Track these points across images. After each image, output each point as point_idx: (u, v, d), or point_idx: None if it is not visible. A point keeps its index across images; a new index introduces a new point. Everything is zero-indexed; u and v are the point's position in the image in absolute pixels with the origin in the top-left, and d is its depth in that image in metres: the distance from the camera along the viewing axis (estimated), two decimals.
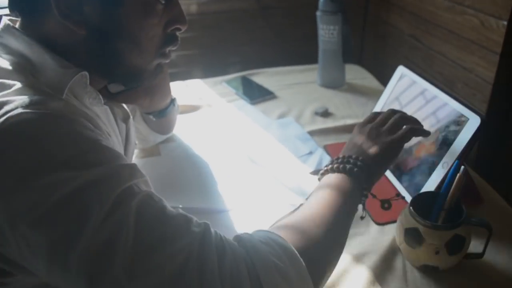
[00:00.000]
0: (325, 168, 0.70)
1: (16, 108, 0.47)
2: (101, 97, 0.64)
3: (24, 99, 0.49)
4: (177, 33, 0.65)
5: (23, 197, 0.45)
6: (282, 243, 0.52)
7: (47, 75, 0.55)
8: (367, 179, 0.67)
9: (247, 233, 0.55)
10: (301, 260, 0.51)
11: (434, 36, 1.36)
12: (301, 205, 0.68)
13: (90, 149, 0.49)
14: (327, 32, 1.24)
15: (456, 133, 0.80)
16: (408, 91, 0.95)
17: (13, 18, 0.61)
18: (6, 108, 0.47)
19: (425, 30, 1.41)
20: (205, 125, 1.17)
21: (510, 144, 1.18)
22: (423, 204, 0.71)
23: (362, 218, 0.71)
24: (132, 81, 0.67)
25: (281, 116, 1.20)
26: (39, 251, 0.46)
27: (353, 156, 0.69)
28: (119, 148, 0.72)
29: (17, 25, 0.59)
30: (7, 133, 0.46)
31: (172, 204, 0.53)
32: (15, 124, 0.47)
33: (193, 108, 1.26)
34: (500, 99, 1.16)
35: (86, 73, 0.58)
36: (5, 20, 0.60)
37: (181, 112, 1.17)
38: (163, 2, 0.60)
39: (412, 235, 0.68)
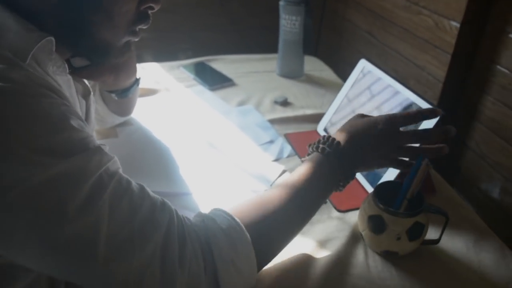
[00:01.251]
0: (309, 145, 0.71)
1: None
2: (66, 66, 0.61)
3: None
4: (150, 12, 0.63)
5: None
6: (240, 233, 0.57)
7: (9, 37, 0.51)
8: (342, 163, 0.68)
9: (210, 217, 0.58)
10: (254, 251, 0.57)
11: (390, 34, 1.41)
12: (264, 191, 0.70)
13: (58, 136, 0.47)
14: (289, 23, 1.24)
15: (416, 126, 0.83)
16: (369, 85, 0.97)
17: None
18: None
19: (381, 27, 1.45)
20: (164, 109, 1.14)
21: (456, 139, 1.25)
22: (383, 193, 0.73)
23: (324, 203, 0.73)
24: (99, 56, 0.64)
25: (241, 103, 1.19)
26: (10, 234, 0.45)
27: (332, 139, 0.69)
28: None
29: None
30: None
31: None
32: None
33: (150, 92, 1.22)
34: (449, 97, 1.22)
35: (53, 38, 0.55)
36: None
37: (139, 95, 1.13)
38: None
39: (375, 222, 0.70)
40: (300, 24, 1.23)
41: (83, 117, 0.74)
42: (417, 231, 0.70)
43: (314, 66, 1.43)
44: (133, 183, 0.53)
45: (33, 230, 0.45)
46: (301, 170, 0.68)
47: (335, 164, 0.68)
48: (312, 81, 1.33)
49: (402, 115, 0.71)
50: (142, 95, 1.17)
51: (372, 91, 0.96)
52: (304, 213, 0.67)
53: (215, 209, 0.61)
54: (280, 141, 1.02)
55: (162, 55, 1.98)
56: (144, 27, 0.64)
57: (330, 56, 1.76)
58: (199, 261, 0.53)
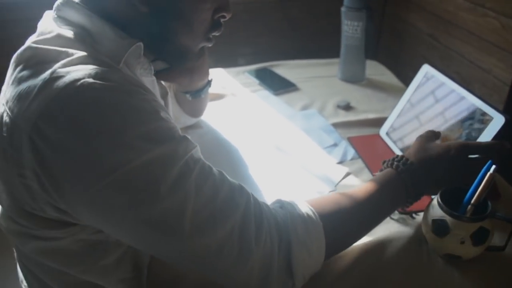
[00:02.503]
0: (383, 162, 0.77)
1: (84, 77, 0.51)
2: (152, 68, 0.69)
3: (90, 69, 0.53)
4: (222, 20, 0.70)
5: (96, 159, 0.50)
6: (315, 219, 0.62)
7: (106, 45, 0.60)
8: (414, 182, 0.72)
9: (289, 203, 0.65)
10: (324, 238, 0.62)
11: (453, 36, 1.40)
12: (329, 192, 0.76)
13: (152, 125, 0.54)
14: (351, 28, 1.27)
15: (480, 131, 0.84)
16: (432, 90, 0.99)
17: None
18: (74, 75, 0.51)
19: (444, 30, 1.44)
20: (231, 114, 1.21)
21: None
22: (450, 197, 0.75)
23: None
24: (177, 60, 0.72)
25: (304, 108, 1.24)
26: (110, 211, 0.53)
27: (405, 158, 0.74)
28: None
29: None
30: (80, 98, 0.51)
31: None
32: (88, 92, 0.51)
33: (218, 96, 1.29)
34: None
35: (141, 44, 0.63)
36: None
37: None
38: None
39: (439, 225, 0.72)
40: (361, 30, 1.26)
41: None
42: (481, 237, 0.71)
43: (375, 70, 1.44)
44: (214, 168, 0.60)
45: (130, 207, 0.52)
46: (374, 180, 0.73)
47: (406, 181, 0.72)
48: (373, 85, 1.35)
49: (474, 145, 0.76)
50: (210, 100, 1.25)
51: (436, 96, 0.97)
52: (371, 218, 0.71)
53: (294, 199, 0.67)
54: (344, 144, 1.06)
55: (223, 60, 2.06)
56: (217, 34, 0.72)
57: (391, 60, 1.76)
58: (274, 240, 0.58)
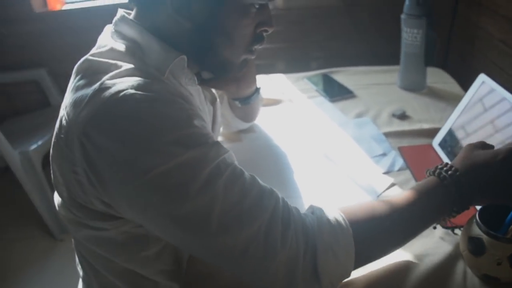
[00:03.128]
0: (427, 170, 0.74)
1: (127, 88, 0.58)
2: (195, 78, 0.75)
3: (133, 81, 0.60)
4: (264, 34, 0.74)
5: (134, 161, 0.57)
6: (343, 225, 0.63)
7: (153, 57, 0.67)
8: (458, 190, 0.69)
9: (320, 208, 0.66)
10: (354, 245, 0.62)
11: None
12: None
13: (184, 131, 0.59)
14: (411, 36, 1.25)
15: None
16: (488, 100, 0.95)
17: (126, 10, 0.73)
18: (119, 86, 0.59)
19: None
20: (286, 119, 1.24)
21: None
22: (493, 215, 0.73)
23: (434, 227, 0.75)
24: (220, 71, 0.77)
25: (359, 115, 1.24)
26: (145, 207, 0.59)
27: (450, 166, 0.71)
28: (208, 123, 0.83)
29: (131, 16, 0.72)
30: (122, 108, 0.58)
31: None
32: (129, 102, 0.58)
33: (275, 102, 1.33)
34: None
35: (185, 57, 0.69)
36: (121, 11, 0.73)
37: (264, 105, 1.25)
38: (256, 6, 0.69)
39: (475, 244, 0.70)
40: (421, 37, 1.24)
41: (211, 119, 0.90)
42: None
43: (438, 78, 1.40)
44: (246, 173, 0.64)
45: (162, 204, 0.58)
46: (414, 188, 0.71)
47: (450, 190, 0.69)
48: (433, 94, 1.32)
49: None
50: (267, 105, 1.29)
51: (489, 108, 0.94)
52: (409, 228, 0.70)
53: (327, 205, 0.68)
54: (393, 154, 1.05)
55: (295, 63, 2.10)
56: (260, 47, 0.76)
57: (461, 66, 1.69)
58: (300, 243, 0.61)
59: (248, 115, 1.11)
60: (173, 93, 0.64)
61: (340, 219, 0.64)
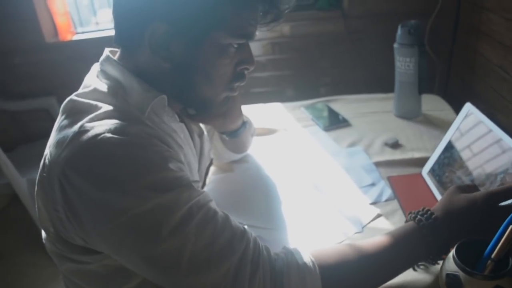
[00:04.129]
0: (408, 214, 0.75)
1: (104, 132, 0.61)
2: (176, 116, 0.77)
3: (111, 124, 0.62)
4: (245, 72, 0.76)
5: (108, 203, 0.59)
6: (313, 270, 0.64)
7: (134, 97, 0.70)
8: (436, 238, 0.69)
9: (291, 252, 0.67)
10: None
11: None
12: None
13: (158, 175, 0.61)
14: (404, 64, 1.25)
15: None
16: (470, 129, 0.95)
17: (113, 49, 0.76)
18: (97, 130, 0.61)
19: None
20: (279, 149, 1.25)
21: None
22: (472, 250, 0.71)
23: (414, 270, 0.75)
24: (202, 109, 0.79)
25: (352, 144, 1.24)
26: (119, 247, 0.62)
27: (430, 212, 0.71)
28: (193, 159, 0.85)
29: (116, 56, 0.74)
30: (99, 151, 0.60)
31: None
32: (105, 146, 0.60)
33: (269, 131, 1.35)
34: None
35: (165, 96, 0.71)
36: (107, 51, 0.76)
37: (259, 134, 1.27)
38: (235, 46, 0.71)
39: (452, 280, 0.69)
40: (414, 66, 1.24)
41: (198, 152, 0.91)
42: None
43: (434, 105, 1.39)
44: (219, 214, 0.65)
45: (135, 246, 0.60)
46: (392, 233, 0.72)
47: (428, 237, 0.69)
48: (428, 121, 1.31)
49: (501, 190, 0.71)
50: (262, 134, 1.31)
51: (474, 139, 0.93)
52: (381, 274, 0.70)
53: (299, 247, 0.69)
54: (382, 184, 1.05)
55: (304, 90, 2.12)
56: (241, 84, 0.77)
57: (463, 92, 1.68)
58: (267, 286, 0.62)
59: (238, 147, 1.13)
60: (150, 134, 0.66)
61: (310, 263, 0.65)
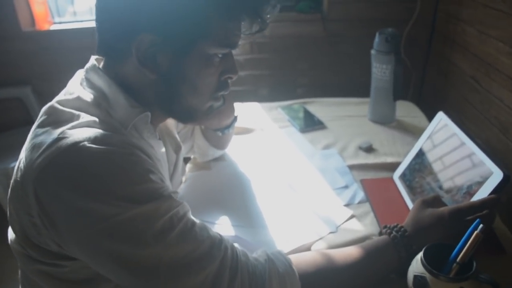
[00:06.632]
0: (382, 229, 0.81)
1: (84, 140, 0.60)
2: (157, 134, 0.77)
3: (92, 133, 0.61)
4: (229, 81, 0.77)
5: (85, 211, 0.58)
6: (293, 278, 0.67)
7: (118, 111, 0.69)
8: (409, 253, 0.76)
9: (271, 259, 0.69)
10: None
11: (493, 81, 1.36)
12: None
13: (138, 186, 0.61)
14: (380, 71, 1.28)
15: (480, 184, 0.83)
16: (441, 137, 0.98)
17: (98, 57, 0.75)
18: (76, 137, 0.60)
19: (485, 73, 1.40)
20: (255, 148, 1.26)
21: None
22: (438, 253, 0.74)
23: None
24: (187, 119, 0.79)
25: (327, 147, 1.26)
26: (95, 254, 0.61)
27: (401, 228, 0.79)
28: (166, 174, 0.85)
29: (101, 65, 0.73)
30: (79, 159, 0.59)
31: (210, 219, 0.73)
32: (84, 154, 0.59)
33: (247, 130, 1.36)
34: None
35: (149, 113, 0.72)
36: (93, 59, 0.74)
37: (236, 133, 1.27)
38: (220, 55, 0.72)
39: (419, 281, 0.72)
40: (390, 72, 1.27)
41: (172, 168, 0.91)
42: None
43: (408, 111, 1.43)
44: (197, 223, 0.66)
45: (113, 253, 0.59)
46: (366, 244, 0.77)
47: (401, 252, 0.76)
48: (402, 127, 1.34)
49: (466, 207, 0.78)
50: (239, 133, 1.32)
51: (443, 146, 0.96)
52: (358, 283, 0.75)
53: (279, 253, 0.72)
54: (355, 187, 1.07)
55: (279, 90, 2.14)
56: (225, 93, 0.78)
57: (435, 100, 1.72)
58: None
59: (222, 143, 1.15)
60: (132, 145, 0.65)
61: (290, 270, 0.68)
